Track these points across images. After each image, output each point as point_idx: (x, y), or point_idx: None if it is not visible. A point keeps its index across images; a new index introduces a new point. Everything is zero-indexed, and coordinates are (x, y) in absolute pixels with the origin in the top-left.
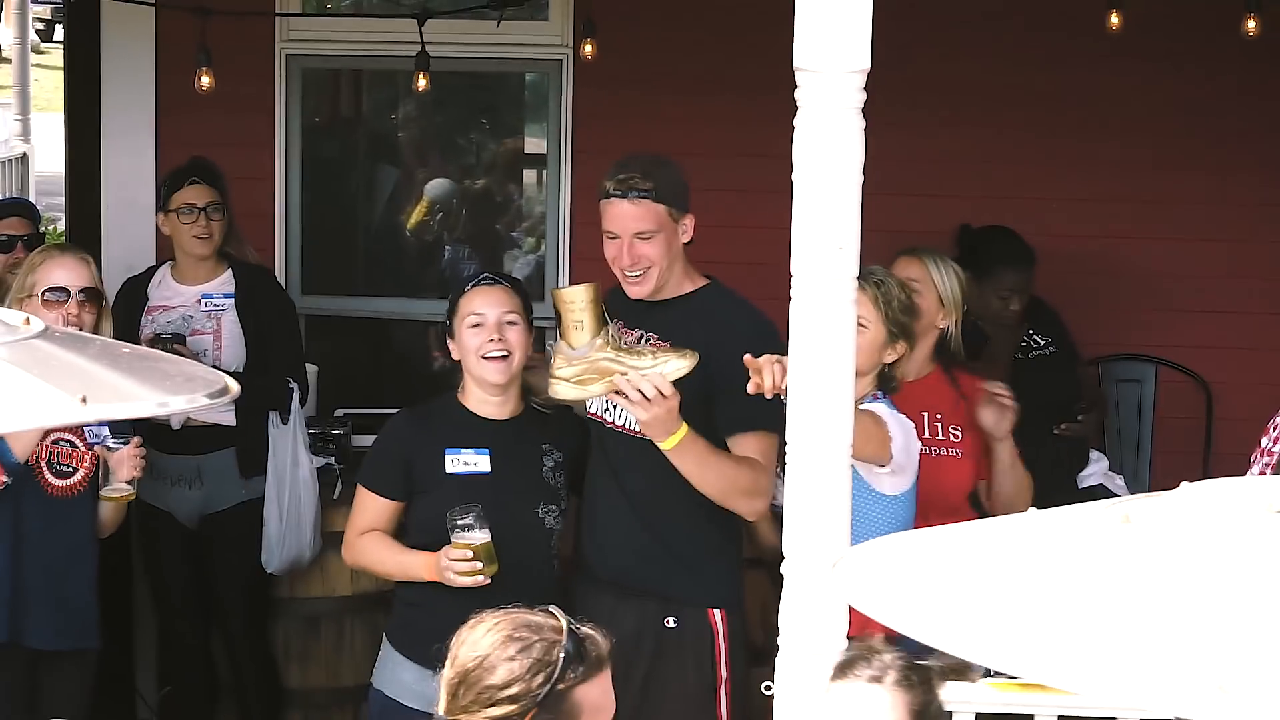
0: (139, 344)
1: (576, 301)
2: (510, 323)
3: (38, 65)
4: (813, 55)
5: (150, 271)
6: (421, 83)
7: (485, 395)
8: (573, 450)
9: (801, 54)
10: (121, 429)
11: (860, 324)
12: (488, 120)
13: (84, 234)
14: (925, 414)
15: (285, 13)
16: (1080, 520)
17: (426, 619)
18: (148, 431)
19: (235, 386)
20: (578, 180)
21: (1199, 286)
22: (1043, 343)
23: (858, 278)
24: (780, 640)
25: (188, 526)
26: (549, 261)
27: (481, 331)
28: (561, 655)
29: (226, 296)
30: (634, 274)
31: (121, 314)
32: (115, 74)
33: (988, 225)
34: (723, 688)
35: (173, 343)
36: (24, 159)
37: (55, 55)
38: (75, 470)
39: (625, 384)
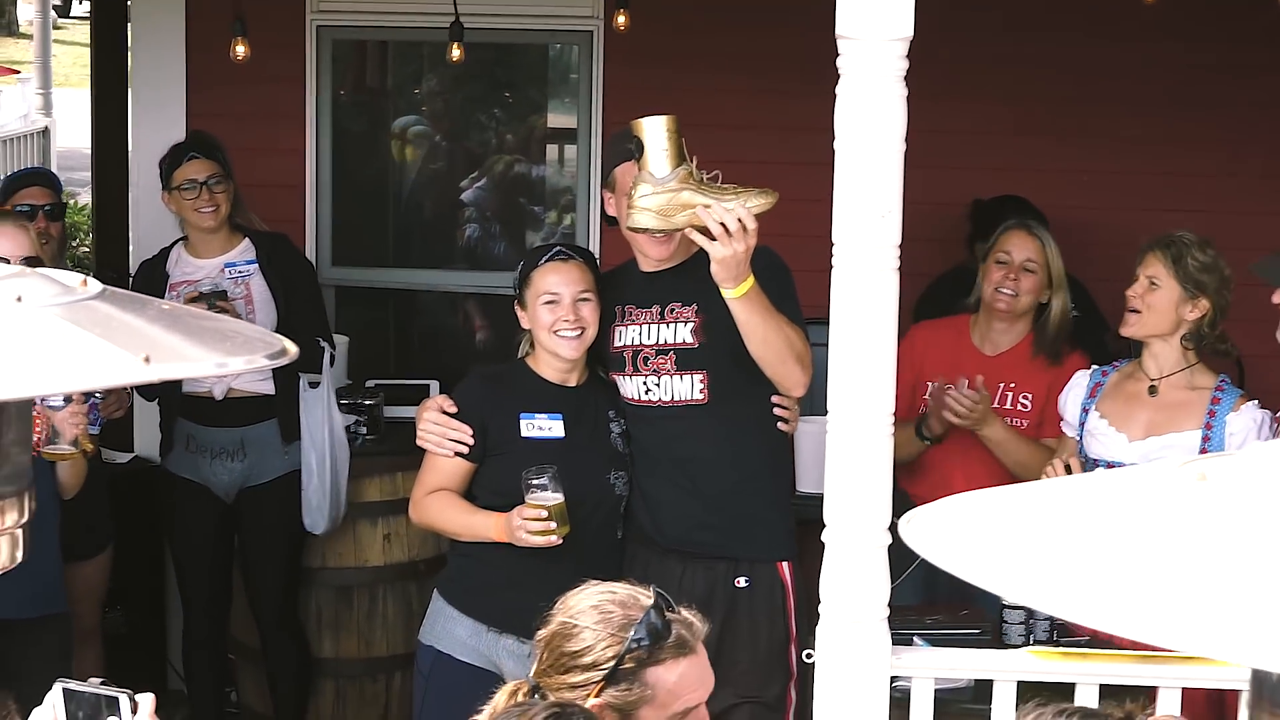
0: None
1: (660, 129)
2: (584, 299)
3: (56, 41)
4: (855, 23)
5: (164, 252)
6: (456, 53)
7: (556, 364)
8: None
9: (844, 21)
10: None
11: (1152, 282)
12: (511, 96)
13: (110, 212)
14: (1000, 385)
15: None
16: (1155, 478)
17: (483, 575)
18: (187, 405)
19: (293, 348)
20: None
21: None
22: (1071, 308)
23: (1153, 243)
24: (820, 609)
25: (224, 500)
26: (579, 234)
27: (556, 309)
28: (638, 630)
29: (250, 263)
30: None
31: (144, 289)
32: (144, 49)
33: (998, 195)
34: (793, 643)
35: (215, 299)
36: (45, 133)
37: (72, 31)
38: None
39: (708, 216)
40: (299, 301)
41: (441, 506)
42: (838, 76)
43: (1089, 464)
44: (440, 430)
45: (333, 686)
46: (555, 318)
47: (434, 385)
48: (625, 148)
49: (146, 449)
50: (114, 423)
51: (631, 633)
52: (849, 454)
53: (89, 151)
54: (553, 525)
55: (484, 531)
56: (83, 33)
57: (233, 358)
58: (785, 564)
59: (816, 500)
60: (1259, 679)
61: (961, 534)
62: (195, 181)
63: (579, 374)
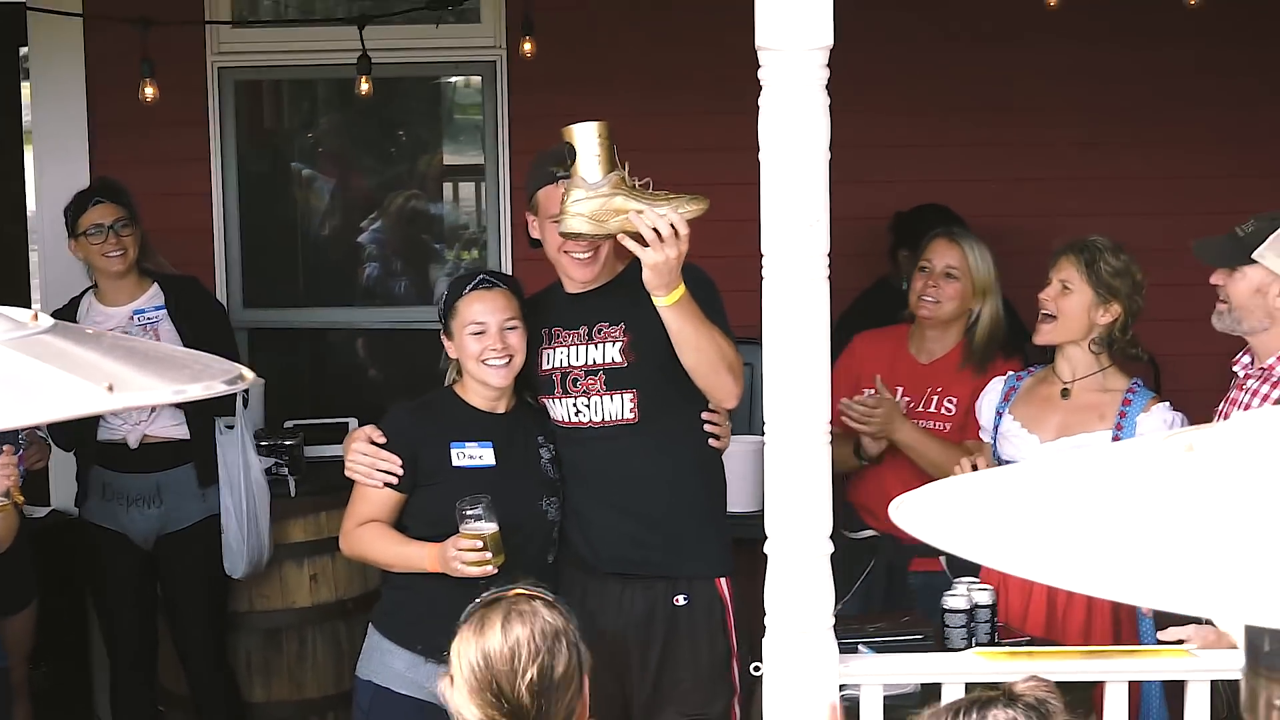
0: None
1: (592, 135)
2: (510, 327)
3: None
4: (775, 34)
5: (74, 302)
6: (364, 86)
7: (485, 392)
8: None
9: (764, 33)
10: None
11: (1065, 286)
12: (405, 134)
13: (11, 268)
14: (928, 390)
15: (222, 20)
16: (1145, 451)
17: (418, 605)
18: (102, 452)
19: (250, 374)
20: (516, 183)
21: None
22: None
23: (1067, 247)
24: (766, 620)
25: (143, 548)
26: (492, 265)
27: (483, 338)
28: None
29: (158, 309)
30: (581, 256)
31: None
32: (43, 98)
33: (919, 205)
34: (734, 659)
35: None
36: None
37: None
38: None
39: (641, 221)
40: (210, 344)
41: (373, 538)
42: (756, 93)
43: (1000, 465)
44: (369, 461)
45: None
46: (483, 347)
47: (352, 423)
48: (549, 170)
49: (63, 502)
50: (30, 476)
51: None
52: (787, 464)
53: None
54: (488, 555)
55: (418, 562)
56: None
57: (191, 384)
58: (723, 580)
59: (745, 519)
60: (1253, 644)
61: (955, 513)
62: (101, 226)
63: (507, 400)
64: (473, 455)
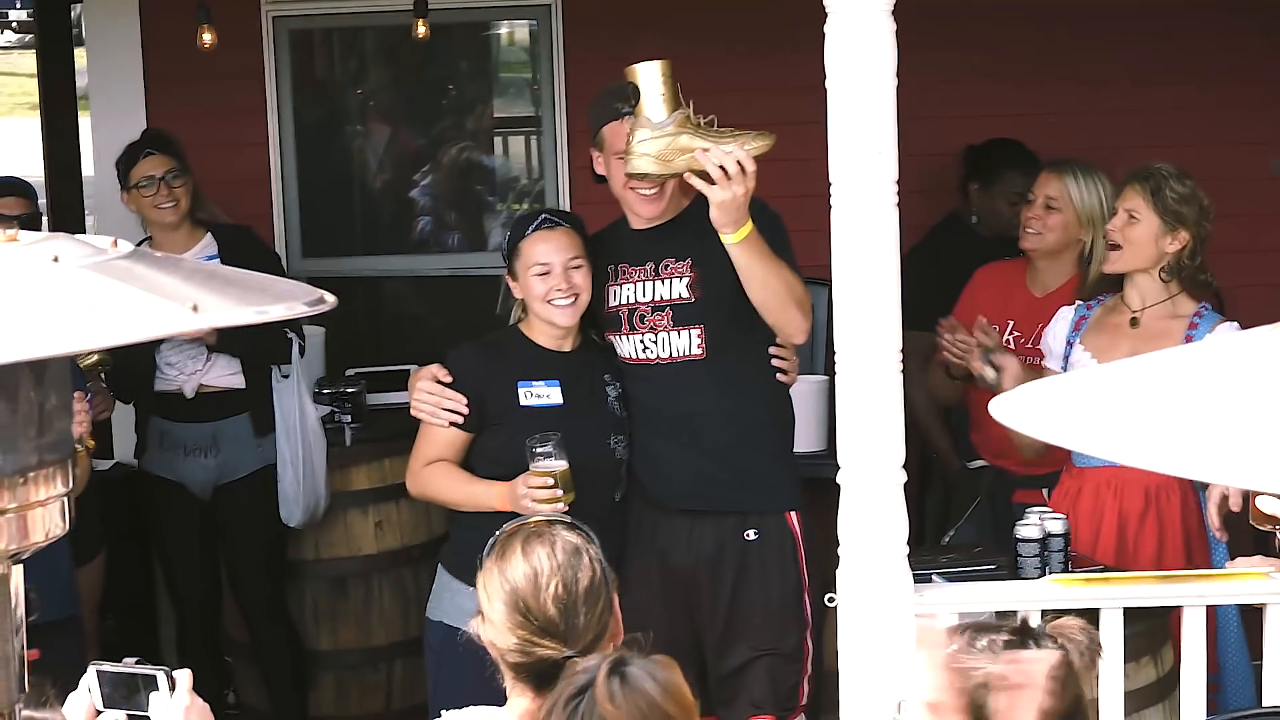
0: None
1: (655, 74)
2: (575, 266)
3: None
4: None
5: None
6: (421, 30)
7: (551, 331)
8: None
9: None
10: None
11: (1131, 215)
12: (455, 88)
13: (66, 223)
14: (1039, 323)
15: None
16: (1251, 340)
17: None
18: (160, 402)
19: (331, 298)
20: (573, 127)
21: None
22: None
23: (1131, 175)
24: (840, 551)
25: (201, 498)
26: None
27: (549, 279)
28: None
29: (212, 258)
30: (646, 191)
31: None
32: (99, 53)
33: (990, 139)
34: (805, 593)
35: None
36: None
37: None
38: None
39: (708, 159)
40: None
41: (441, 477)
42: (816, 34)
43: None
44: (434, 400)
45: (333, 679)
46: (548, 287)
47: (413, 369)
48: (613, 106)
49: (125, 455)
50: (94, 428)
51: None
52: (859, 393)
53: (30, 175)
54: (559, 493)
55: (487, 501)
56: (7, 63)
57: (273, 305)
58: (793, 514)
59: (811, 458)
60: None
61: (1056, 404)
62: (153, 178)
63: (573, 339)
64: (540, 394)
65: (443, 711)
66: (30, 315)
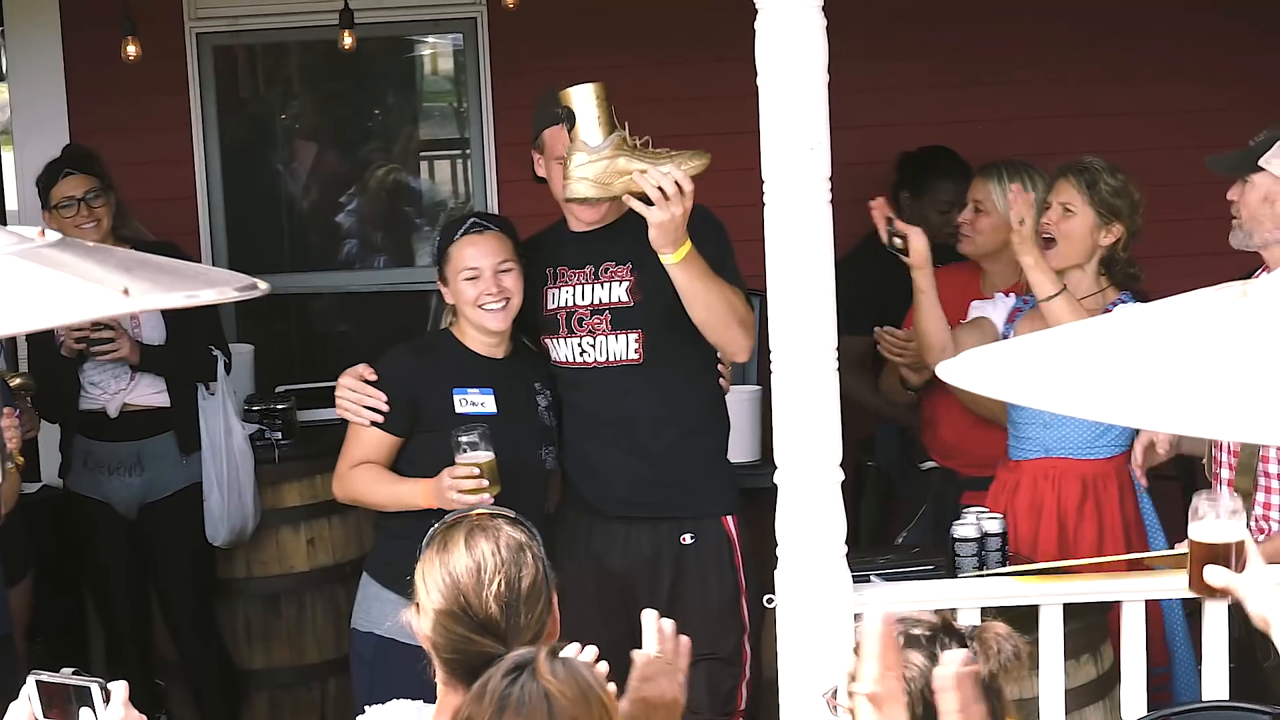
0: (57, 342)
1: (589, 97)
2: (505, 269)
3: None
4: None
5: None
6: (348, 41)
7: (483, 337)
8: (557, 391)
9: None
10: None
11: (1067, 209)
12: (381, 112)
13: None
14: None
15: None
16: (1200, 300)
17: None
18: (85, 422)
19: (264, 284)
20: (501, 140)
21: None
22: None
23: (1065, 169)
24: (778, 550)
25: (126, 516)
26: None
27: (478, 283)
28: None
29: None
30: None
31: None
32: (21, 70)
33: (923, 146)
34: (743, 596)
35: (103, 327)
36: None
37: None
38: None
39: (645, 181)
40: (186, 311)
41: (367, 478)
42: (750, 39)
43: None
44: (356, 397)
45: (266, 697)
46: (479, 291)
47: None
48: (554, 111)
49: (52, 478)
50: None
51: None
52: (795, 391)
53: None
54: (485, 483)
55: (412, 499)
56: None
57: (205, 290)
58: (729, 518)
59: (744, 469)
60: None
61: (1005, 363)
62: (73, 199)
63: (505, 345)
64: (475, 402)
65: (366, 707)
66: None
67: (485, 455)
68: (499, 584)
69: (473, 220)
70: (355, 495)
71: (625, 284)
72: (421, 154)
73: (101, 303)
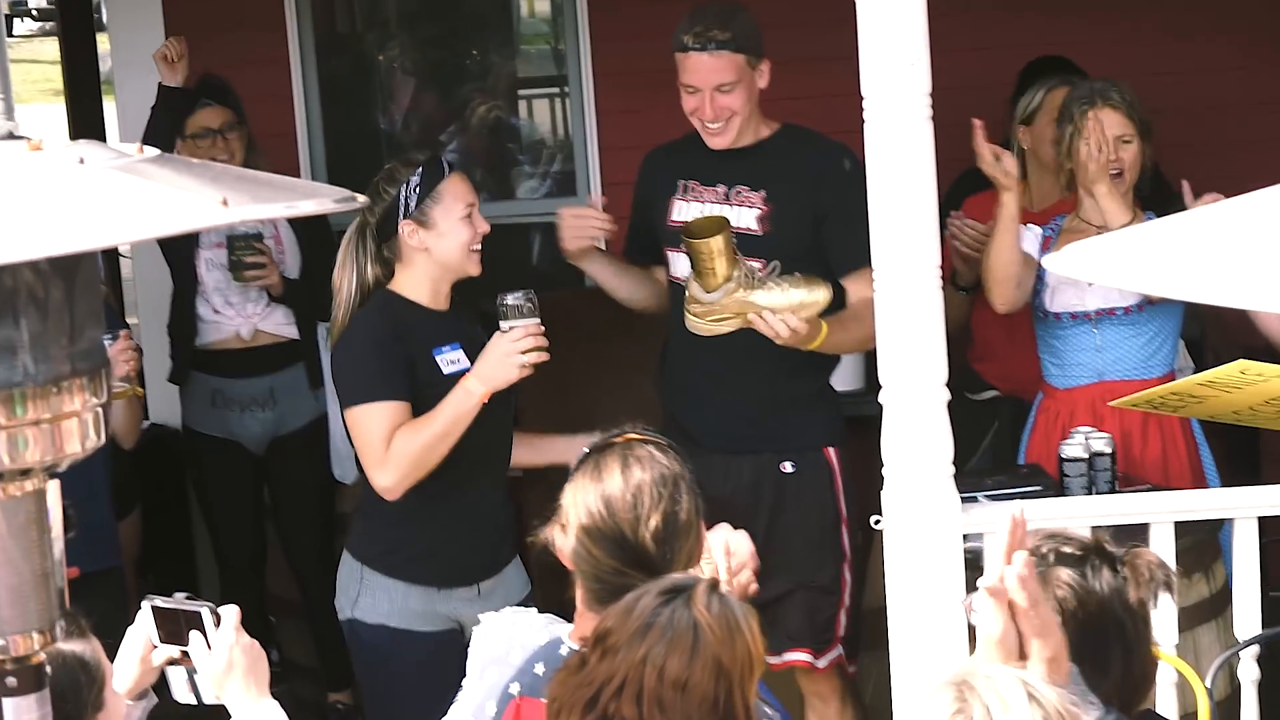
0: (195, 263)
1: (711, 251)
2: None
3: None
4: None
5: None
6: None
7: (439, 288)
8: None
9: None
10: (113, 325)
11: (1123, 140)
12: (478, 51)
13: None
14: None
15: None
16: None
17: (423, 537)
18: (211, 359)
19: (362, 197)
20: (600, 69)
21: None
22: None
23: (1099, 94)
24: (884, 471)
25: (255, 453)
26: (580, 186)
27: (472, 221)
28: None
29: None
30: (715, 125)
31: (170, 241)
32: (119, 10)
33: (1043, 56)
34: (844, 525)
35: (252, 241)
36: (10, 137)
37: (18, 49)
38: None
39: (761, 324)
40: (319, 247)
41: (410, 433)
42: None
43: (1050, 318)
44: (583, 224)
45: None
46: (473, 232)
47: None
48: (681, 39)
49: (159, 416)
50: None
51: None
52: (898, 310)
53: None
54: (546, 342)
55: (466, 401)
56: (30, 50)
57: (303, 200)
58: (831, 449)
59: (849, 397)
60: None
61: (1111, 250)
62: (209, 129)
63: (447, 296)
64: (453, 360)
65: (480, 617)
66: (58, 214)
67: (536, 317)
68: (656, 521)
69: (449, 160)
70: (410, 457)
71: (756, 211)
72: (520, 91)
73: (200, 213)
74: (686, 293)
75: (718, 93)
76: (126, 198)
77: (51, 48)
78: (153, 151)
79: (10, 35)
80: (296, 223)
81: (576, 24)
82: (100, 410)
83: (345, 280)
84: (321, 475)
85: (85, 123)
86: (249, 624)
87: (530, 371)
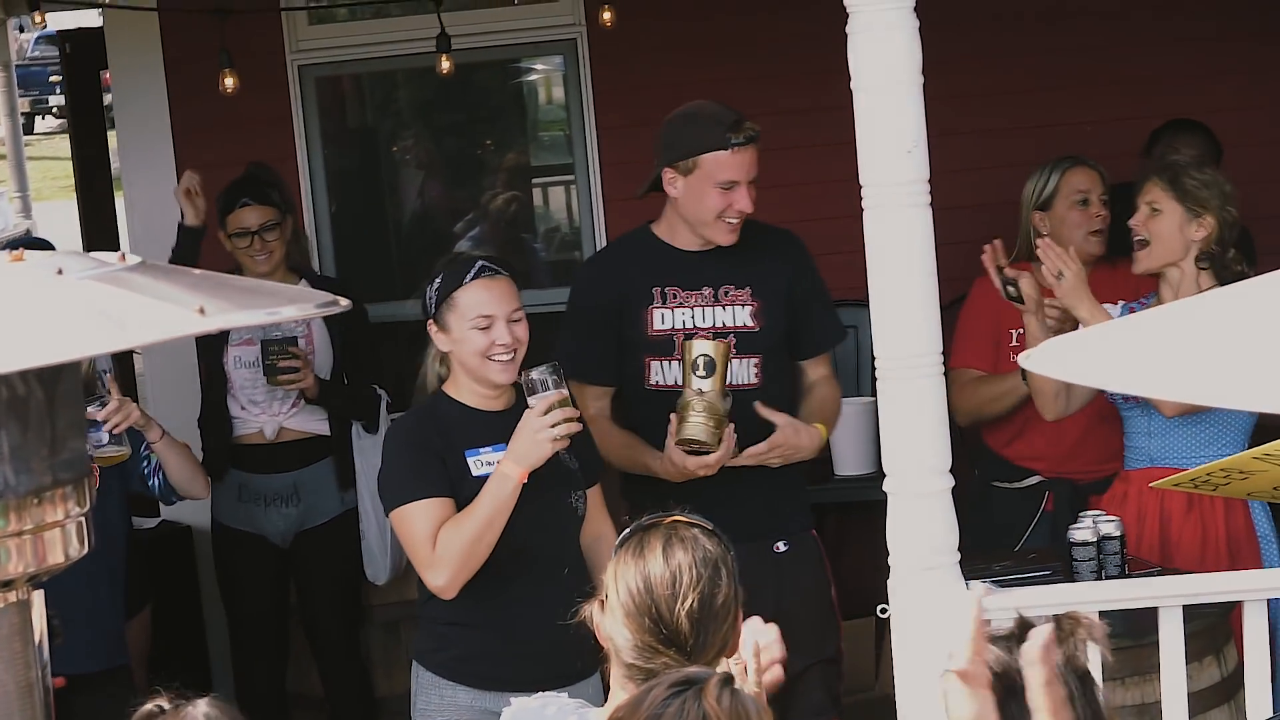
0: (224, 360)
1: (720, 355)
2: (516, 320)
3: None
4: None
5: None
6: (445, 65)
7: (485, 391)
8: (579, 434)
9: None
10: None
11: (1153, 208)
12: (491, 140)
13: None
14: None
15: (298, 7)
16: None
17: (478, 640)
18: (240, 454)
19: (344, 301)
20: (606, 161)
21: None
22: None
23: (1149, 169)
24: (890, 560)
25: (280, 546)
26: (586, 247)
27: (490, 332)
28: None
29: None
30: (735, 220)
31: (200, 338)
32: (126, 109)
33: (1172, 119)
34: (835, 602)
35: (289, 344)
36: (28, 235)
37: (39, 146)
38: None
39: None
40: (354, 348)
41: (455, 528)
42: (843, 53)
43: (1115, 397)
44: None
45: None
46: (489, 341)
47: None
48: (724, 135)
49: (172, 513)
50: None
51: None
52: (900, 397)
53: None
54: (576, 412)
55: (504, 485)
56: (49, 148)
57: (285, 306)
58: (813, 531)
59: (859, 481)
60: None
61: (1100, 348)
62: (247, 230)
63: (506, 396)
64: (490, 462)
65: (512, 698)
66: (31, 326)
67: (563, 389)
68: (693, 601)
69: (482, 264)
70: (457, 553)
71: (750, 308)
72: (534, 180)
73: (177, 322)
74: (689, 402)
75: (751, 185)
76: (102, 308)
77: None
78: (134, 259)
79: (31, 133)
80: (331, 322)
81: (582, 109)
82: (84, 520)
83: (423, 376)
84: (347, 567)
85: (97, 219)
86: (268, 716)
87: (564, 444)
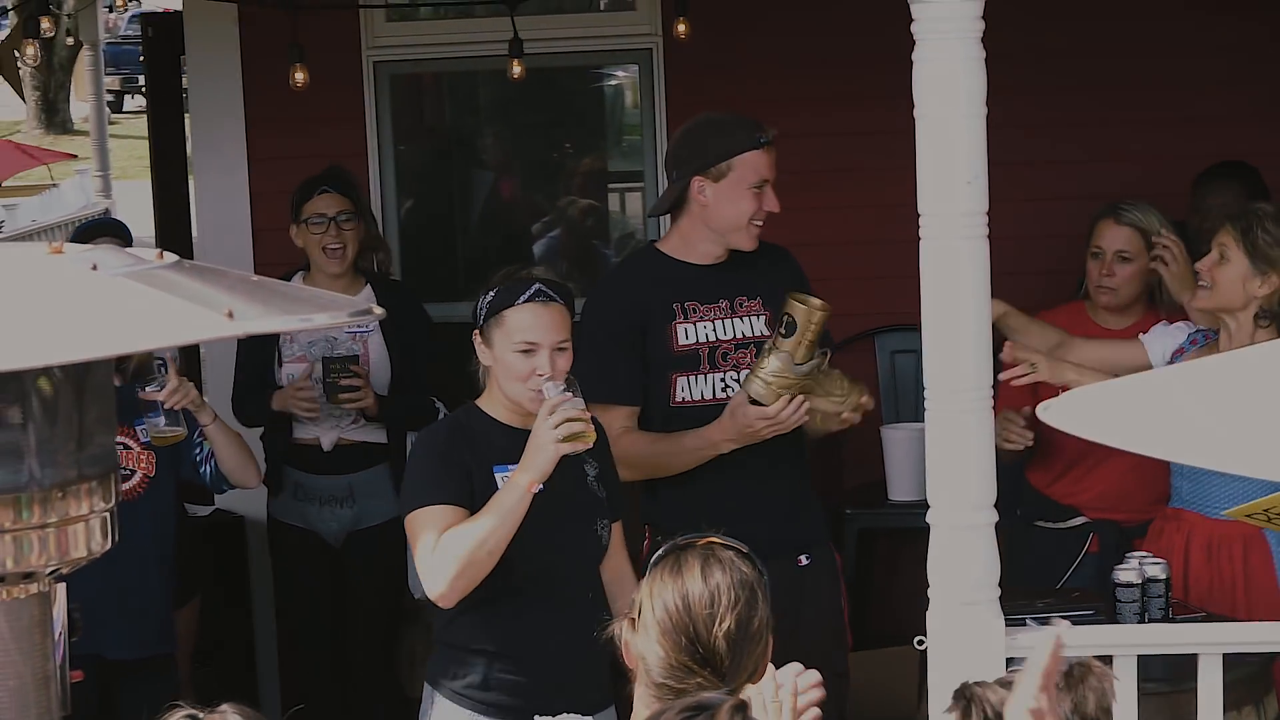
0: (277, 376)
1: (815, 318)
2: (562, 349)
3: (111, 135)
4: None
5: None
6: (516, 70)
7: (510, 406)
8: (606, 461)
9: None
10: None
11: (1222, 255)
12: (571, 145)
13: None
14: None
15: (375, 4)
16: None
17: (493, 667)
18: (297, 453)
19: (379, 310)
20: None
21: None
22: None
23: (1228, 215)
24: (930, 593)
25: (333, 545)
26: None
27: (533, 359)
28: None
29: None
30: (760, 224)
31: (247, 359)
32: (201, 99)
33: (1220, 162)
34: (845, 616)
35: (350, 362)
36: (106, 214)
37: (125, 125)
38: (133, 472)
39: (830, 420)
40: (414, 359)
41: (460, 533)
42: (910, 77)
43: None
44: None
45: None
46: (531, 368)
47: None
48: (754, 136)
49: (226, 502)
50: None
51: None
52: (947, 430)
53: (141, 236)
54: (589, 427)
55: (514, 493)
56: (136, 126)
57: (317, 314)
58: (830, 543)
59: (907, 507)
60: None
61: (1120, 405)
62: (324, 216)
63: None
64: None
65: (537, 717)
66: (59, 321)
67: (569, 395)
68: (730, 623)
69: (538, 287)
70: (457, 558)
71: (763, 317)
72: (609, 185)
73: (204, 326)
74: (763, 361)
75: (770, 188)
76: (129, 307)
77: None
78: (171, 258)
79: (120, 111)
80: (391, 335)
81: (655, 119)
82: (109, 515)
83: (481, 378)
84: (392, 574)
85: (172, 202)
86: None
87: (571, 450)
